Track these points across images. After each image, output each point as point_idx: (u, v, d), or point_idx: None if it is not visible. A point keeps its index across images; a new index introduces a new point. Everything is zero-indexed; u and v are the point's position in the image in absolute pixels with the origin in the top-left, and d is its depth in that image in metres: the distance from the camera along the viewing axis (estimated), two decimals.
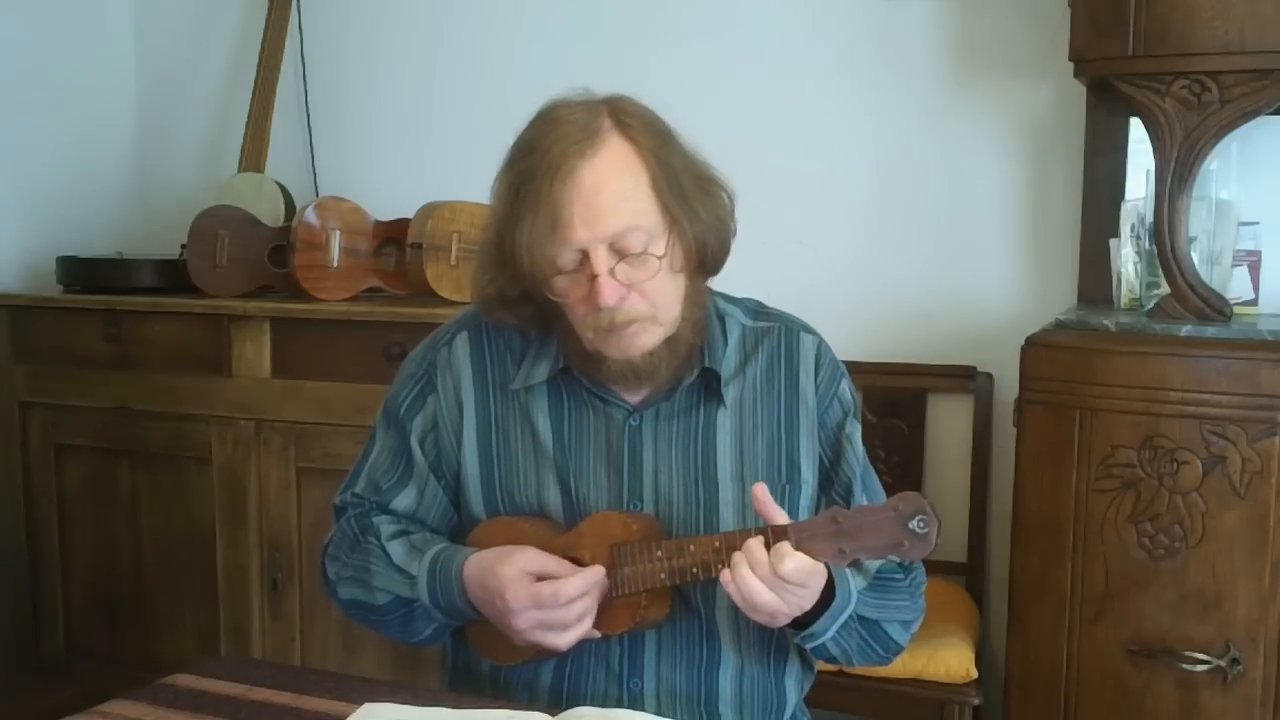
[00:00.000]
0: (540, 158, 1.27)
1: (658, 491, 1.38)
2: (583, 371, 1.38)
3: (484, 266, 1.38)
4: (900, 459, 2.54)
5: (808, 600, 1.25)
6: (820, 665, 1.52)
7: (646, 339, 1.32)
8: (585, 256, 1.27)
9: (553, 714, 1.19)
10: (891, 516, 1.20)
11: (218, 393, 2.57)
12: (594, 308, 1.29)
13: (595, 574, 1.29)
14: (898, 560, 1.39)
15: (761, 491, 1.25)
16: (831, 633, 1.33)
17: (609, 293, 1.27)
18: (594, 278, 1.27)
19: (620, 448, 1.38)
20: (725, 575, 1.23)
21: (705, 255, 1.35)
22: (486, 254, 1.37)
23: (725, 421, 1.40)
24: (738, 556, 1.23)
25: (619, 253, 1.27)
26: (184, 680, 1.34)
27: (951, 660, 2.14)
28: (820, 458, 1.43)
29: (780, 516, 1.24)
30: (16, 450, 2.77)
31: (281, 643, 2.57)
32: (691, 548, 1.27)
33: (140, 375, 2.64)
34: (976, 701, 2.16)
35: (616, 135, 1.29)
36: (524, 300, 1.36)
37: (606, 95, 1.34)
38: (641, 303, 1.30)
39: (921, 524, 1.19)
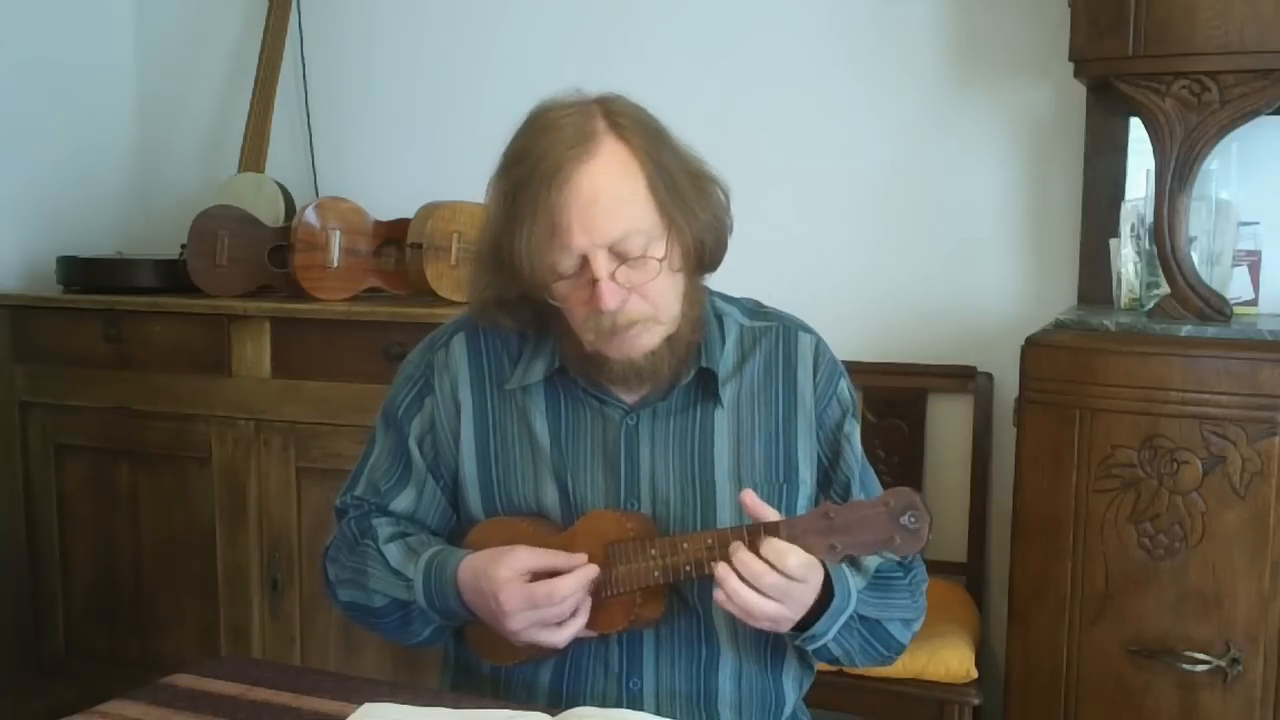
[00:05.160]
0: (535, 164, 1.27)
1: (655, 491, 1.38)
2: (580, 372, 1.38)
3: (480, 271, 1.39)
4: (900, 459, 2.54)
5: (809, 596, 1.25)
6: (820, 665, 1.52)
7: (648, 339, 1.32)
8: (585, 261, 1.27)
9: (552, 714, 1.19)
10: (883, 512, 1.21)
11: (218, 393, 2.57)
12: (595, 311, 1.29)
13: (590, 571, 1.29)
14: (896, 559, 1.39)
15: (750, 498, 1.25)
16: (833, 633, 1.33)
17: (610, 297, 1.27)
18: (594, 282, 1.27)
19: (617, 447, 1.38)
20: (719, 595, 1.23)
21: (703, 253, 1.35)
22: (482, 260, 1.37)
23: (722, 421, 1.40)
24: (723, 570, 1.22)
25: (619, 256, 1.27)
26: (184, 680, 1.34)
27: (951, 660, 2.14)
28: (819, 457, 1.43)
29: (772, 516, 1.24)
30: (16, 450, 2.77)
31: (281, 643, 2.57)
32: (685, 545, 1.27)
33: (140, 375, 2.64)
34: (976, 701, 2.16)
35: (611, 138, 1.28)
36: (522, 304, 1.36)
37: (598, 95, 1.33)
38: (642, 304, 1.30)
39: (913, 519, 1.20)
